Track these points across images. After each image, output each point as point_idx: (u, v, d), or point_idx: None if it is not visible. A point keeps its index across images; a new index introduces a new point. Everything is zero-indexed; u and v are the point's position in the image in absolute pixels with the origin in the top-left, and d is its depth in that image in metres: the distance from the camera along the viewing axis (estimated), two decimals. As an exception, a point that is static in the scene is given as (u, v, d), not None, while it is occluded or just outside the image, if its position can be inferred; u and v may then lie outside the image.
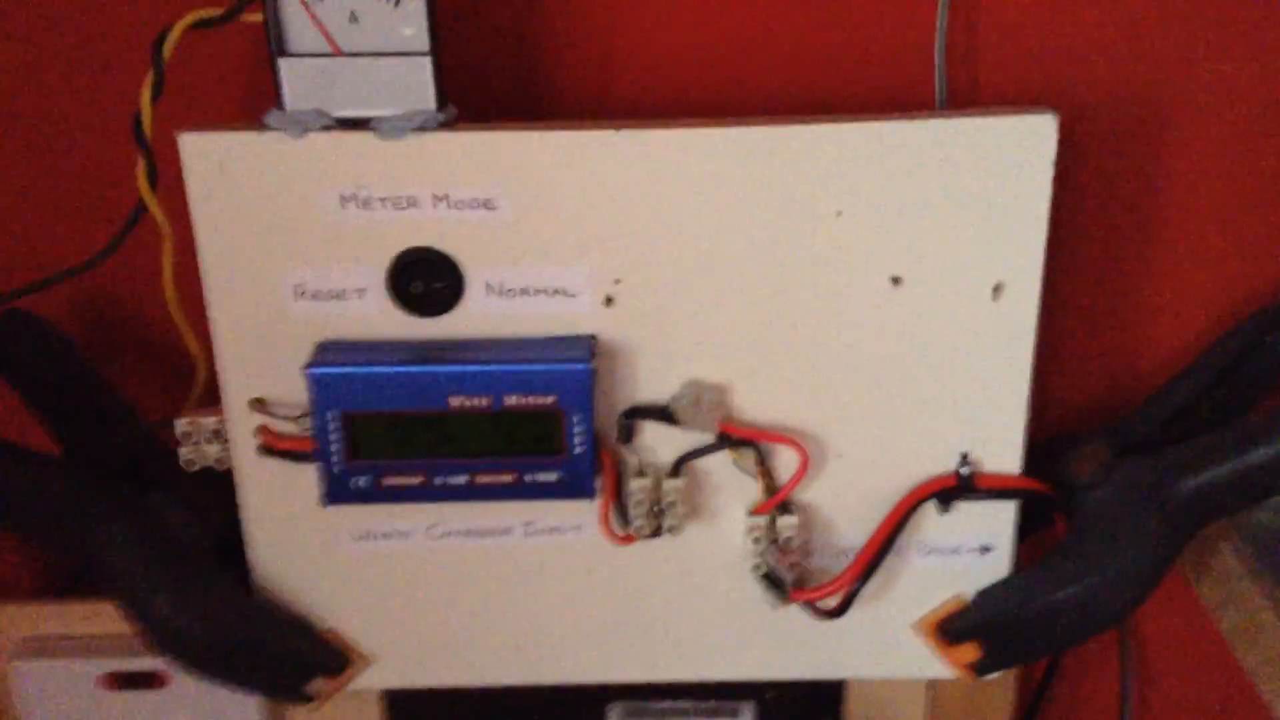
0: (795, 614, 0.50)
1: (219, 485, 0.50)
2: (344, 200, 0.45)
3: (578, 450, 0.47)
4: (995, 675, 0.52)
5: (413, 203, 0.45)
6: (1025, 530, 0.51)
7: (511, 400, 0.46)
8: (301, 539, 0.50)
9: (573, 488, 0.47)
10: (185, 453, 0.49)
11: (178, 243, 0.47)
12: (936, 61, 0.50)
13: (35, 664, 0.54)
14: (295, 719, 0.56)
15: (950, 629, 0.51)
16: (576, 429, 0.46)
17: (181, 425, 0.49)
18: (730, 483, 0.49)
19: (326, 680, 0.51)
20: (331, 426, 0.46)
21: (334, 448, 0.46)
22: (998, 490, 0.49)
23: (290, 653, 0.50)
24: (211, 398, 0.49)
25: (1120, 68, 0.51)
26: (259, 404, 0.48)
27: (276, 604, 0.51)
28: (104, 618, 0.53)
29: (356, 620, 0.52)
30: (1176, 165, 0.53)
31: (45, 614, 0.54)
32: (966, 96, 0.52)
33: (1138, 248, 0.55)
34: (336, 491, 0.47)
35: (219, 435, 0.49)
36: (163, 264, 0.48)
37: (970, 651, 0.51)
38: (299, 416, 0.48)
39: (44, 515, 0.47)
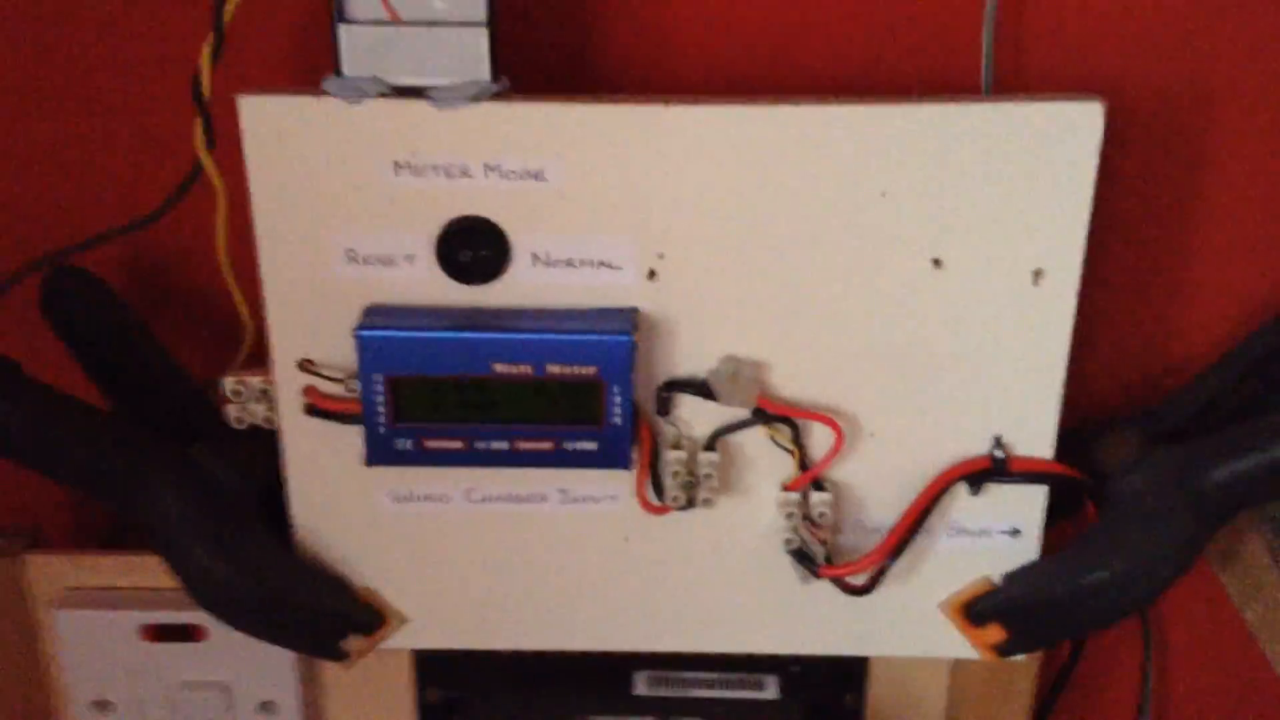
0: (823, 590, 0.51)
1: (264, 444, 0.51)
2: (397, 167, 0.46)
3: (616, 421, 0.47)
4: (1019, 657, 0.53)
5: (464, 171, 0.46)
6: (1054, 515, 0.51)
7: (553, 369, 0.46)
8: (342, 499, 0.51)
9: (610, 457, 0.48)
10: (233, 411, 0.50)
11: (231, 204, 0.48)
12: (984, 46, 0.50)
13: (78, 614, 0.55)
14: (328, 675, 0.58)
15: (976, 610, 0.51)
16: (616, 400, 0.47)
17: (229, 384, 0.50)
18: (764, 458, 0.50)
19: (360, 638, 0.52)
20: (377, 389, 0.47)
21: (379, 410, 0.47)
22: (1029, 474, 0.50)
23: (326, 610, 0.51)
24: (259, 358, 0.50)
25: (1169, 56, 0.52)
26: (307, 365, 0.49)
27: (315, 561, 0.52)
28: (145, 570, 0.55)
29: (392, 580, 0.53)
30: (1220, 156, 0.53)
31: (88, 565, 0.55)
32: (1013, 82, 0.52)
33: (1177, 238, 0.55)
34: (380, 452, 0.48)
35: (266, 395, 0.50)
36: (216, 225, 0.49)
37: (995, 633, 0.51)
38: (345, 378, 0.49)
39: (88, 466, 0.48)
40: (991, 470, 0.49)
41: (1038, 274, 0.47)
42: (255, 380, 0.50)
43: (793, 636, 0.54)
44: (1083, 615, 0.50)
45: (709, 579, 0.52)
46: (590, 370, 0.47)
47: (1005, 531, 0.51)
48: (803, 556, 0.50)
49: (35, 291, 0.50)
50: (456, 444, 0.48)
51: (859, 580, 0.50)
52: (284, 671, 0.56)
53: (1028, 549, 0.51)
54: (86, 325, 0.52)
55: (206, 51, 0.46)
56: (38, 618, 0.56)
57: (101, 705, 0.56)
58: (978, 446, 0.50)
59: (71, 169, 0.55)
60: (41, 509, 0.61)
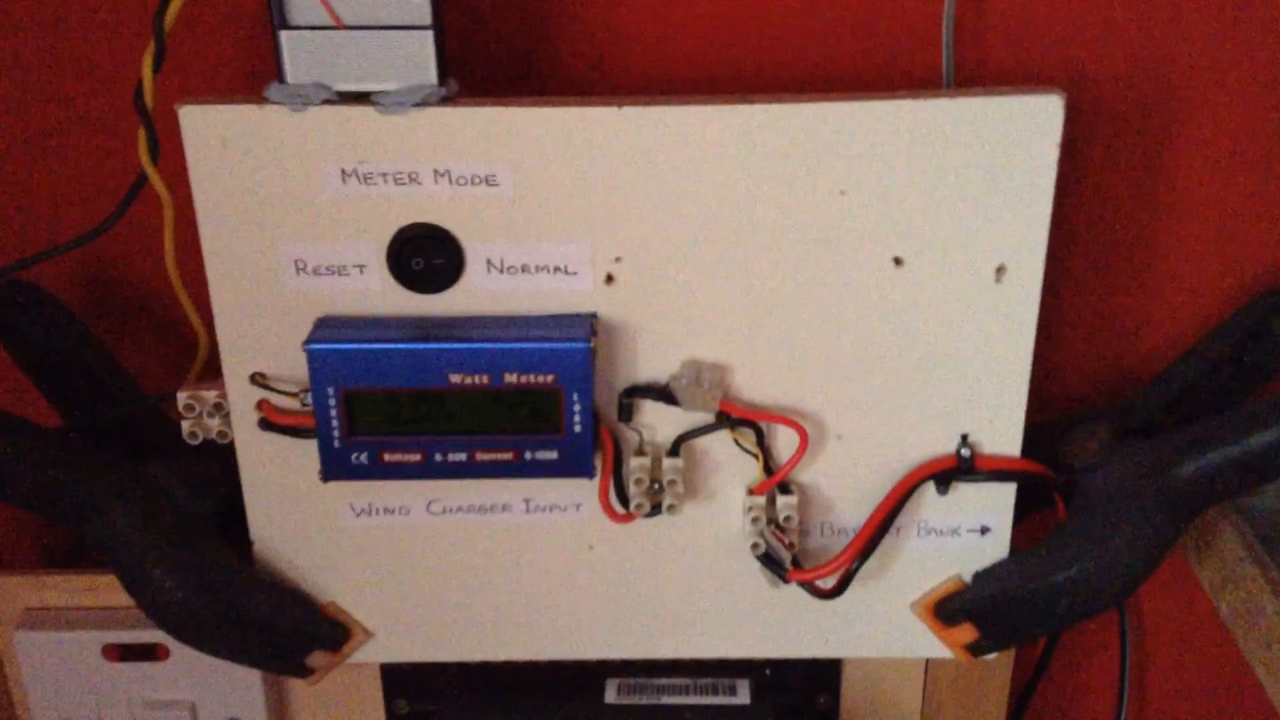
0: (793, 593, 0.50)
1: (221, 458, 0.50)
2: (345, 175, 0.45)
3: (577, 429, 0.47)
4: (992, 655, 0.53)
5: (413, 178, 0.45)
6: (1024, 512, 0.51)
7: (511, 378, 0.46)
8: (302, 513, 0.50)
9: (572, 466, 0.47)
10: (187, 426, 0.50)
11: (179, 215, 0.47)
12: (944, 39, 0.49)
13: (39, 635, 0.54)
14: (295, 691, 0.57)
15: (947, 610, 0.51)
16: (576, 407, 0.46)
17: (183, 398, 0.49)
18: (730, 462, 0.49)
19: (326, 654, 0.51)
20: (331, 402, 0.46)
21: (333, 424, 0.46)
22: (997, 472, 0.49)
23: (290, 626, 0.50)
24: (214, 371, 0.49)
25: (1130, 47, 0.51)
26: (259, 379, 0.48)
27: (276, 577, 0.51)
28: (107, 589, 0.54)
29: (356, 595, 0.52)
30: (1184, 147, 0.53)
31: (48, 585, 0.54)
32: (974, 75, 0.51)
33: (1143, 230, 0.54)
34: (336, 467, 0.47)
35: (220, 409, 0.49)
36: (164, 237, 0.48)
37: (967, 632, 0.51)
38: (299, 392, 0.48)
39: (40, 487, 0.47)
40: (958, 469, 0.49)
41: (1000, 270, 0.46)
42: (209, 395, 0.49)
43: (764, 640, 0.53)
44: (1054, 612, 0.49)
45: (677, 585, 0.52)
46: (549, 378, 0.46)
47: (974, 530, 0.51)
48: (770, 561, 0.50)
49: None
50: (414, 456, 0.47)
51: (827, 583, 0.50)
52: (250, 689, 0.55)
53: (998, 547, 0.51)
54: (37, 340, 0.51)
55: (148, 61, 0.45)
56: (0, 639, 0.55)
57: (65, 725, 0.56)
58: (944, 445, 0.49)
59: (19, 181, 0.54)
60: (1, 528, 0.60)
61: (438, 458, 0.47)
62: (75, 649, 0.54)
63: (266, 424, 0.48)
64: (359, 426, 0.46)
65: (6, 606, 0.55)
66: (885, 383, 0.48)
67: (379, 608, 0.52)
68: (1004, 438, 0.49)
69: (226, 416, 0.49)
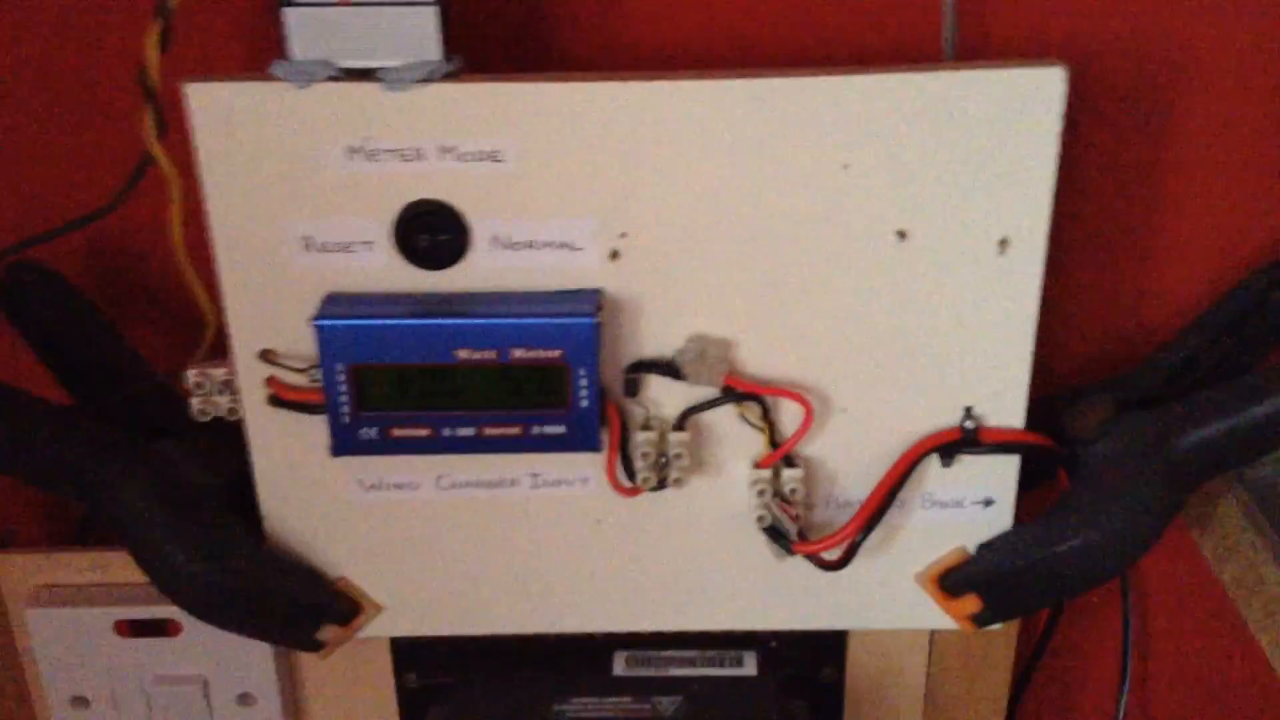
0: (799, 565, 0.51)
1: (230, 436, 0.51)
2: (350, 152, 0.45)
3: (583, 403, 0.47)
4: (996, 626, 0.53)
5: (418, 154, 0.45)
6: (1027, 484, 0.51)
7: (517, 353, 0.46)
8: (311, 489, 0.51)
9: (578, 440, 0.48)
10: (196, 404, 0.50)
11: (185, 193, 0.47)
12: (945, 11, 0.49)
13: (50, 611, 0.54)
14: (306, 665, 0.58)
15: (951, 581, 0.51)
16: (582, 382, 0.47)
17: (192, 376, 0.50)
18: (735, 436, 0.50)
19: (336, 628, 0.52)
20: (339, 378, 0.46)
21: (342, 399, 0.47)
22: (1000, 444, 0.49)
23: (301, 600, 0.51)
24: (222, 348, 0.49)
25: (1133, 19, 0.51)
26: (268, 355, 0.48)
27: (287, 552, 0.52)
28: (118, 566, 0.54)
29: (366, 569, 0.52)
30: (1187, 119, 0.53)
31: (60, 562, 0.55)
32: (976, 48, 0.51)
33: (1145, 201, 0.54)
34: (344, 443, 0.47)
35: (229, 386, 0.50)
36: (170, 215, 0.48)
37: (971, 603, 0.51)
38: (308, 368, 0.48)
39: (52, 463, 0.47)
40: (962, 441, 0.49)
41: (1004, 242, 0.46)
42: (217, 372, 0.50)
43: (770, 612, 0.53)
44: (1058, 583, 0.50)
45: (684, 558, 0.52)
46: (555, 353, 0.46)
47: (978, 502, 0.51)
48: (776, 534, 0.50)
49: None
50: (422, 432, 0.48)
51: (833, 555, 0.50)
52: (262, 663, 0.56)
53: (1002, 518, 0.51)
54: (46, 320, 0.52)
55: (152, 39, 0.45)
56: (10, 617, 0.56)
57: (79, 702, 0.56)
58: (948, 418, 0.49)
59: (24, 161, 0.54)
60: (11, 507, 0.60)
61: (446, 433, 0.47)
62: (87, 625, 0.55)
63: (275, 400, 0.49)
64: (368, 402, 0.47)
65: (17, 584, 0.55)
66: (889, 356, 0.48)
67: (389, 582, 0.53)
68: (1007, 410, 0.49)
69: (235, 394, 0.50)
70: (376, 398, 0.47)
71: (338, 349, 0.46)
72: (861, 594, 0.53)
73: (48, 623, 0.55)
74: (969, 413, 0.49)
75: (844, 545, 0.50)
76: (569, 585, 0.53)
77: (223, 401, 0.50)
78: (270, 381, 0.49)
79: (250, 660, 0.55)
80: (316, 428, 0.48)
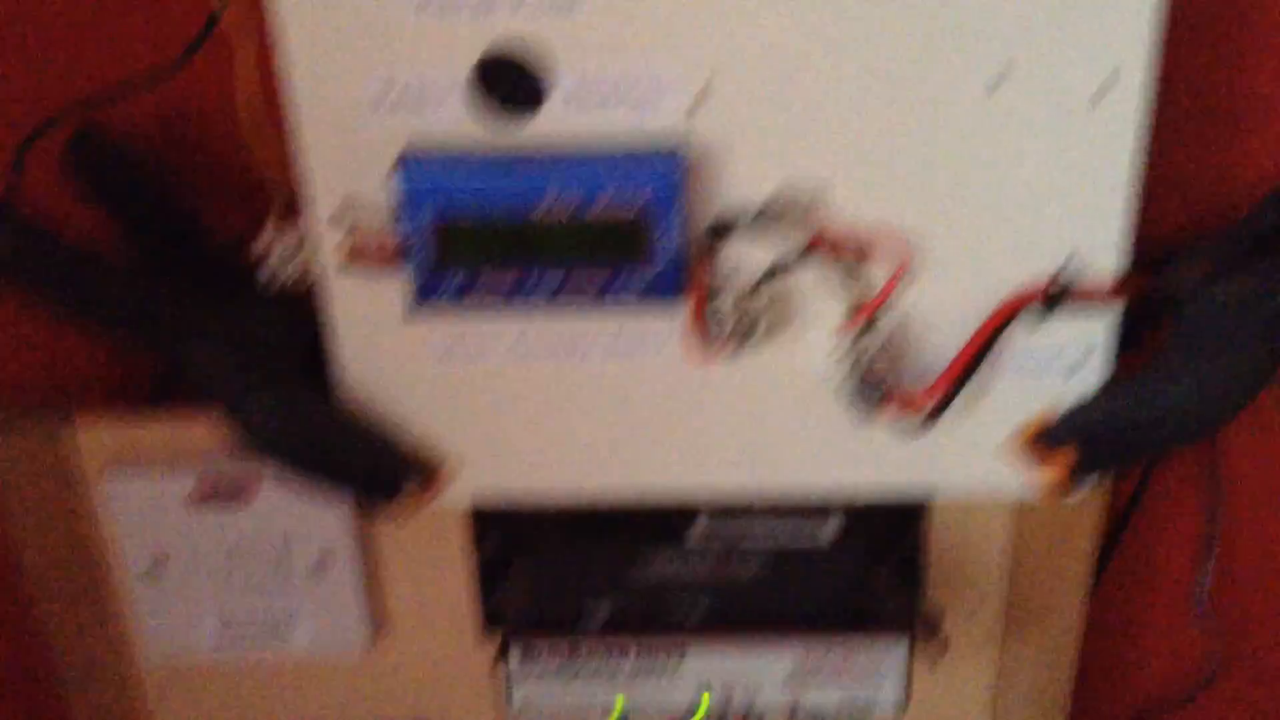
0: (882, 431, 0.50)
1: (298, 308, 0.50)
2: (425, 2, 0.44)
3: (665, 257, 0.46)
4: (1084, 494, 0.52)
5: (493, 4, 0.43)
6: (1122, 344, 0.49)
7: (598, 204, 0.45)
8: (389, 354, 0.50)
9: (659, 297, 0.46)
10: (267, 270, 0.49)
11: (252, 54, 0.46)
12: None
13: (126, 479, 0.54)
14: (383, 536, 0.58)
15: (1045, 436, 0.50)
16: (664, 234, 0.45)
17: (262, 242, 0.49)
18: (821, 293, 0.48)
19: (416, 488, 0.52)
20: (418, 233, 0.45)
21: (420, 255, 0.46)
22: (1097, 296, 0.48)
23: (381, 455, 0.51)
24: (291, 213, 0.49)
25: None
26: (343, 215, 0.47)
27: (366, 415, 0.51)
28: (193, 432, 0.54)
29: (442, 436, 0.52)
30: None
31: (133, 429, 0.55)
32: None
33: (1253, 48, 0.52)
34: (423, 300, 0.47)
35: (301, 251, 0.49)
36: (238, 77, 0.47)
37: (1065, 460, 0.49)
38: (384, 226, 0.47)
39: (138, 310, 0.47)
40: (1058, 295, 0.47)
41: (1105, 85, 0.44)
42: (289, 236, 0.49)
43: (850, 479, 0.52)
44: (1154, 436, 0.48)
45: (763, 422, 0.51)
46: (637, 204, 0.45)
47: (1072, 362, 0.49)
48: (860, 394, 0.49)
49: (55, 154, 0.49)
50: (502, 287, 0.47)
51: (919, 416, 0.49)
52: (339, 528, 0.55)
53: (1097, 375, 0.50)
54: (114, 186, 0.51)
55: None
56: (84, 486, 0.56)
57: (154, 571, 0.56)
58: (1045, 271, 0.48)
59: (87, 23, 0.53)
60: (76, 381, 0.60)
61: (526, 288, 0.46)
62: (162, 492, 0.55)
63: (351, 261, 0.48)
64: (447, 257, 0.46)
65: (91, 453, 0.55)
66: (984, 206, 0.46)
67: (466, 447, 0.52)
68: (1105, 263, 0.47)
69: (307, 259, 0.49)
70: (455, 253, 0.46)
71: (416, 203, 0.45)
72: (946, 459, 0.51)
73: (122, 491, 0.55)
74: (1065, 265, 0.47)
75: (932, 404, 0.49)
76: (645, 451, 0.52)
77: (293, 269, 0.49)
78: (346, 242, 0.48)
79: (328, 526, 0.55)
80: (393, 290, 0.48)
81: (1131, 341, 0.50)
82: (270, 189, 0.50)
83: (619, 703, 0.55)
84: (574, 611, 0.56)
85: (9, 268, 0.46)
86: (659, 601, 0.56)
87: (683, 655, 0.54)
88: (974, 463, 0.52)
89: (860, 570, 0.55)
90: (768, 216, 0.46)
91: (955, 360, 0.48)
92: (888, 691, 0.54)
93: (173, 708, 0.63)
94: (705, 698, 0.56)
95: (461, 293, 0.47)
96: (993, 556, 0.57)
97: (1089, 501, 0.55)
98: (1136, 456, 0.53)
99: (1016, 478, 0.52)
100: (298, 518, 0.55)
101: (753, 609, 0.56)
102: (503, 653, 0.55)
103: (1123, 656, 0.68)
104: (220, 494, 0.55)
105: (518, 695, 0.55)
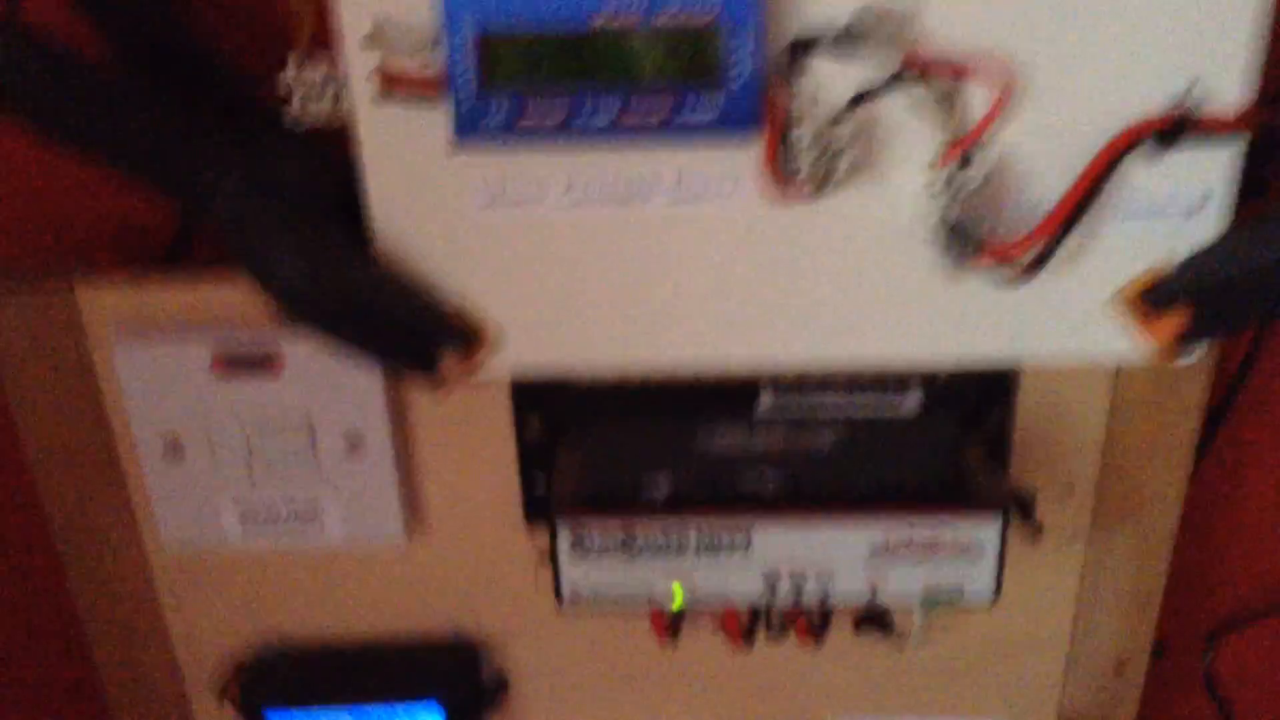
0: (973, 288, 0.45)
1: (327, 150, 0.45)
2: None
3: (740, 79, 0.41)
4: (1191, 359, 0.47)
5: None
6: (1244, 187, 0.44)
7: (665, 15, 0.40)
8: (427, 199, 0.45)
9: (732, 125, 0.41)
10: (294, 107, 0.44)
11: None
12: None
13: (141, 347, 0.50)
14: (418, 412, 0.53)
15: (1157, 293, 0.45)
16: (739, 54, 0.40)
17: (288, 77, 0.44)
18: (911, 125, 0.43)
19: (456, 355, 0.47)
20: (462, 51, 0.40)
21: (465, 77, 0.41)
22: (1219, 130, 0.42)
23: (420, 319, 0.46)
24: (318, 43, 0.44)
25: None
26: (378, 38, 0.42)
27: (403, 271, 0.47)
28: (214, 296, 0.50)
29: (484, 296, 0.47)
30: None
31: (149, 291, 0.50)
32: None
33: None
34: (468, 126, 0.42)
35: (331, 84, 0.44)
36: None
37: (1175, 320, 0.45)
38: (423, 49, 0.42)
39: (156, 146, 0.42)
40: (1177, 128, 0.42)
41: (1246, -126, 0.39)
42: (317, 70, 0.44)
43: (937, 343, 0.47)
44: (1270, 294, 0.43)
45: (843, 278, 0.46)
46: (709, 15, 0.40)
47: (1190, 204, 0.44)
48: (952, 241, 0.44)
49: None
50: (555, 116, 0.42)
51: (1017, 267, 0.44)
52: (371, 402, 0.51)
53: (1215, 224, 0.45)
54: (122, 16, 0.46)
55: None
56: (96, 353, 0.51)
57: (171, 448, 0.52)
58: (1160, 102, 0.42)
59: None
60: (87, 242, 0.55)
61: (582, 115, 0.41)
62: (181, 362, 0.50)
63: (387, 90, 0.43)
64: (495, 77, 0.41)
65: (104, 318, 0.50)
66: (1095, 26, 0.41)
67: (512, 310, 0.47)
68: (1229, 93, 0.42)
69: (337, 94, 0.44)
70: (504, 72, 0.41)
71: (462, 14, 0.40)
72: (1043, 319, 0.46)
73: (137, 359, 0.50)
74: (1185, 95, 0.42)
75: (1033, 253, 0.44)
76: (710, 313, 0.47)
77: (323, 105, 0.44)
78: (380, 71, 0.43)
79: (359, 400, 0.51)
80: (434, 122, 0.43)
81: (1255, 185, 0.45)
82: (295, 15, 0.45)
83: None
84: (629, 490, 0.51)
85: (12, 88, 0.41)
86: (722, 477, 0.51)
87: (750, 536, 0.49)
88: (1075, 323, 0.46)
89: (948, 443, 0.50)
90: (854, 34, 0.41)
91: (1060, 203, 0.43)
92: (979, 577, 0.49)
93: (189, 604, 0.58)
94: (676, 587, 0.51)
95: (508, 123, 0.42)
96: (1087, 432, 0.52)
97: (1193, 375, 0.50)
98: (1250, 318, 0.48)
99: (1119, 341, 0.47)
100: (326, 393, 0.50)
101: (826, 485, 0.51)
102: (551, 538, 0.50)
103: (1214, 557, 0.63)
104: (242, 364, 0.50)
105: (567, 585, 0.50)
